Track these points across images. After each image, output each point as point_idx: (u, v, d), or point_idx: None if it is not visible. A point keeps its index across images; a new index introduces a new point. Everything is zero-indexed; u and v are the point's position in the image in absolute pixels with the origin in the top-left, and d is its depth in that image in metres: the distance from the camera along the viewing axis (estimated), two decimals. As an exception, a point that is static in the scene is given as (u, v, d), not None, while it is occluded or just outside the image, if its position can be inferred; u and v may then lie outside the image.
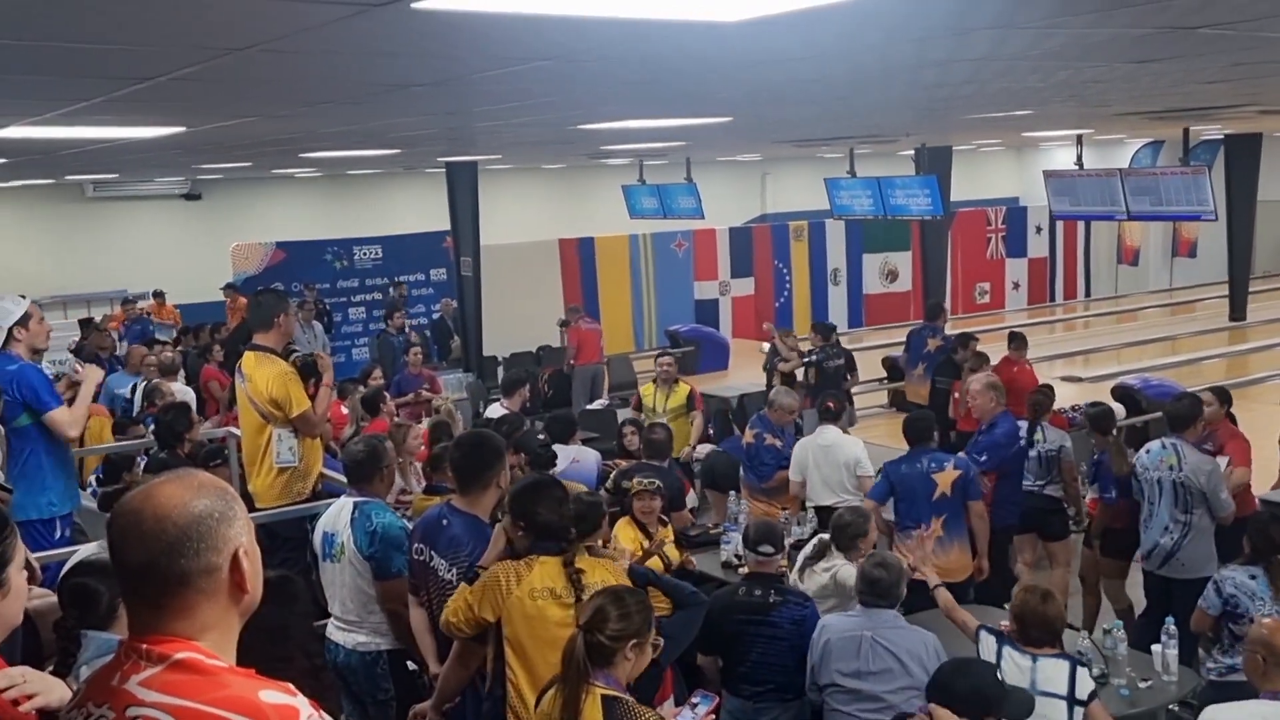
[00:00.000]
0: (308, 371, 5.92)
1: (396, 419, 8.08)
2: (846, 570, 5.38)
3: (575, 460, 7.17)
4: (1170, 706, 5.31)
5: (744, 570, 5.49)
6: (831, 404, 7.80)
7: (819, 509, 7.18)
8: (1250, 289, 19.99)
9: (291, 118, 6.24)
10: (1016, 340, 10.42)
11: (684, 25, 3.24)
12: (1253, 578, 4.97)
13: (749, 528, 5.31)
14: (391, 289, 17.79)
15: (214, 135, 7.32)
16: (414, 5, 2.66)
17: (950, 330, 12.14)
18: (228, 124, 6.43)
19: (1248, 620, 4.79)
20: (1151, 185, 10.93)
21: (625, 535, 5.71)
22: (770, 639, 4.88)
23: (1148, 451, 6.52)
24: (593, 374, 13.76)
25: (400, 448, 6.38)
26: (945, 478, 6.32)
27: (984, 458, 6.85)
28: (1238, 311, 19.57)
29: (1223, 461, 6.73)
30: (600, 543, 4.60)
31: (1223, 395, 7.25)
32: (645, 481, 5.96)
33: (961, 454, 6.73)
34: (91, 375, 5.69)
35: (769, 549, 5.05)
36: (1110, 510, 7.03)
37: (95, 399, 6.01)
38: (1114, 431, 7.35)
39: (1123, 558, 7.08)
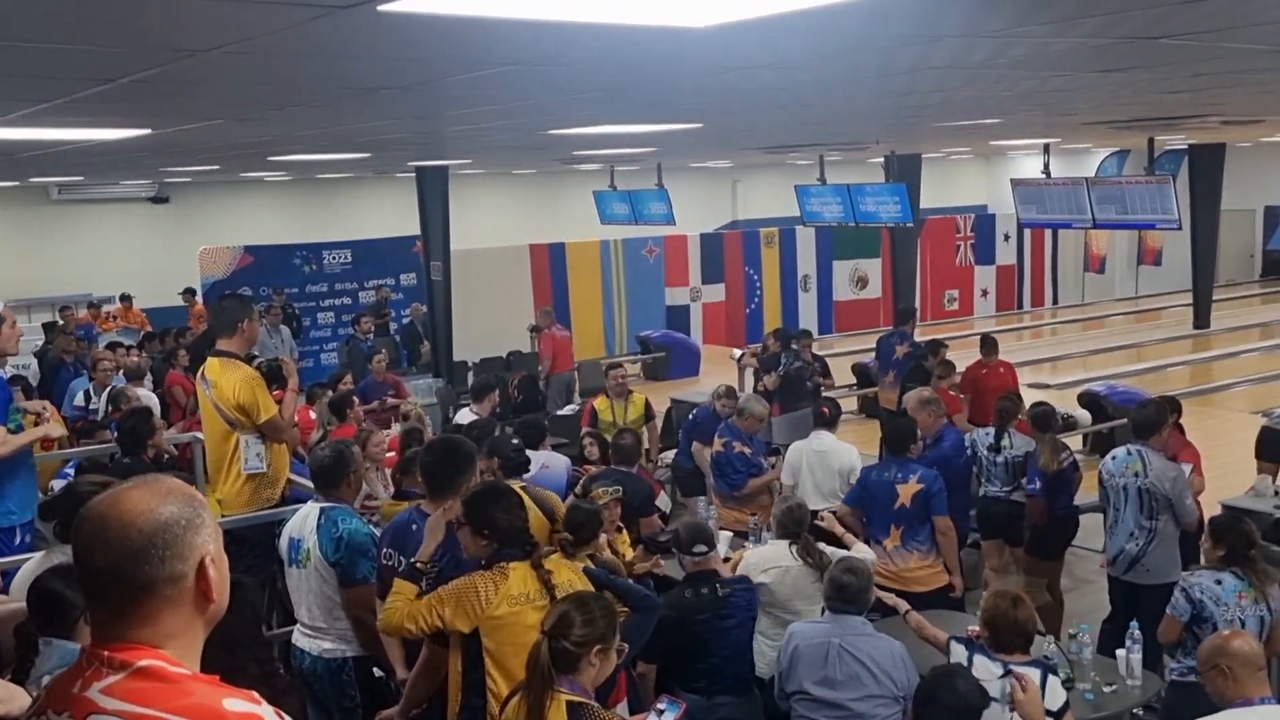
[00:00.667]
0: (273, 376, 5.88)
1: (363, 425, 8.04)
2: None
3: (545, 466, 7.14)
4: (1135, 711, 5.35)
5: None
6: (826, 409, 7.80)
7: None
8: (1214, 297, 20.24)
9: (258, 121, 6.20)
10: (987, 344, 10.50)
11: (653, 30, 3.24)
12: (1218, 582, 5.01)
13: (680, 531, 5.27)
14: (374, 292, 17.79)
15: (180, 137, 7.27)
16: (380, 8, 2.65)
17: (920, 337, 12.23)
18: (194, 126, 6.38)
19: (1211, 625, 4.85)
20: (1117, 194, 11.06)
21: (622, 541, 5.75)
22: (729, 630, 4.90)
23: (1113, 458, 6.53)
24: (568, 381, 13.72)
25: (363, 453, 6.33)
26: (907, 489, 6.29)
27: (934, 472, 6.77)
28: (1201, 319, 19.80)
29: (1186, 468, 6.80)
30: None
31: (1171, 404, 7.32)
32: (608, 489, 5.96)
33: (931, 468, 6.57)
34: (44, 430, 5.54)
35: (703, 548, 5.06)
36: (1034, 506, 7.14)
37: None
38: (1050, 431, 7.45)
39: (1046, 557, 7.18)
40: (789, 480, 7.45)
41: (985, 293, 23.84)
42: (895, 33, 3.50)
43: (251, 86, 4.41)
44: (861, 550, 5.84)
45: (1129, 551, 6.38)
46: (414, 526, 4.33)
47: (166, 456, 6.93)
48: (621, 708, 4.32)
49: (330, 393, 9.08)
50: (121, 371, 9.99)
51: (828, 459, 7.34)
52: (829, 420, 7.64)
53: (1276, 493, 7.88)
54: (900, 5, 2.94)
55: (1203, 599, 4.98)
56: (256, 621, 3.76)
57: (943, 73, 4.87)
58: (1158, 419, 6.49)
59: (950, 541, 6.38)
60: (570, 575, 3.90)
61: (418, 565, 4.00)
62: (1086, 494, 7.46)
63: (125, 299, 16.49)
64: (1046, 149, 12.56)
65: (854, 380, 14.44)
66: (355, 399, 8.88)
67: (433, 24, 2.91)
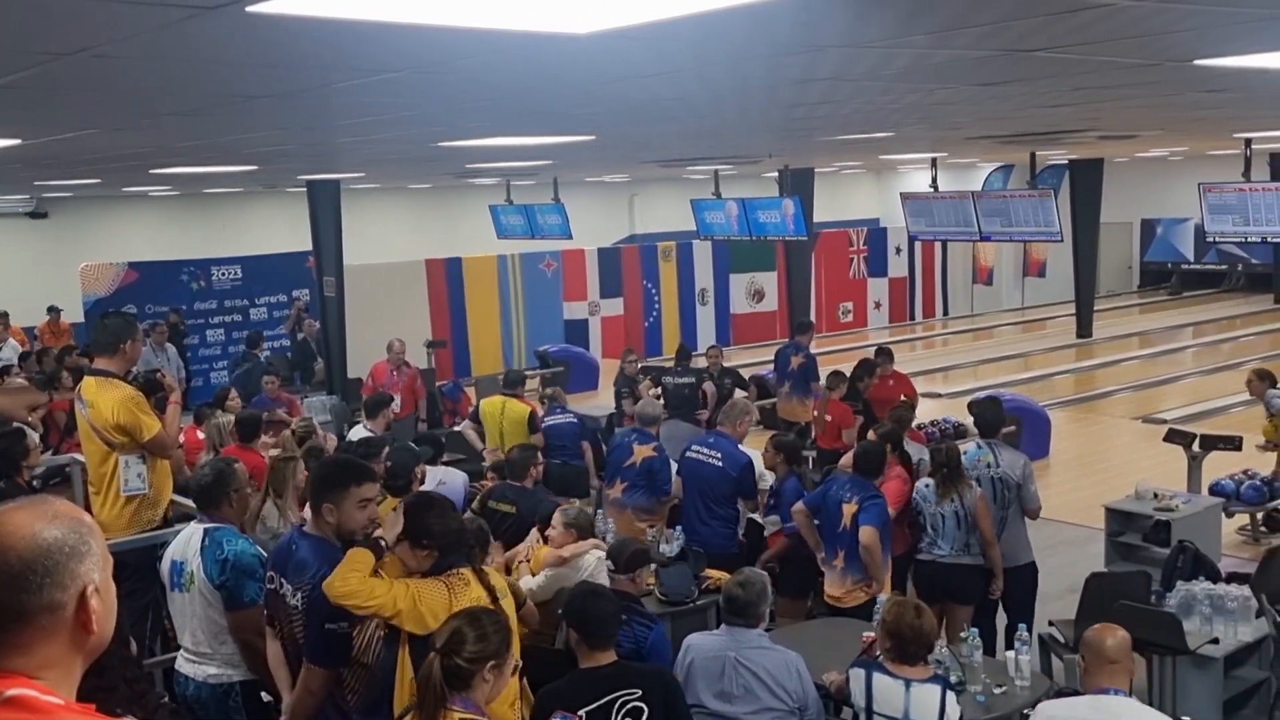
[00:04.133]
0: (150, 389, 5.70)
1: (279, 453, 7.79)
2: None
3: (442, 482, 7.08)
4: (1025, 711, 5.45)
5: None
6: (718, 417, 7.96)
7: None
8: (1095, 307, 20.97)
9: (135, 130, 6.01)
10: (882, 355, 10.68)
11: (535, 37, 3.20)
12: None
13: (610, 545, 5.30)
14: (291, 305, 17.72)
15: (53, 149, 7.02)
16: (249, 9, 2.57)
17: (815, 349, 12.39)
18: (67, 136, 6.16)
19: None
20: (1002, 207, 11.34)
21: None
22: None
23: (965, 453, 6.81)
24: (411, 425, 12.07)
25: (285, 486, 6.10)
26: (849, 509, 6.19)
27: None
28: (1084, 329, 20.49)
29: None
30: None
31: (892, 434, 7.34)
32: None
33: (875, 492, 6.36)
34: None
35: (609, 566, 5.09)
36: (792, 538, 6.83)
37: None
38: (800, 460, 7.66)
39: (802, 595, 6.83)
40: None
41: (878, 305, 24.30)
42: (778, 41, 3.52)
43: (122, 93, 4.27)
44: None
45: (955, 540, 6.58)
46: (293, 547, 4.23)
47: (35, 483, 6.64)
48: None
49: (219, 412, 8.82)
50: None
51: None
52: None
53: (1156, 495, 8.12)
54: (780, 14, 2.95)
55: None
56: (124, 641, 3.61)
57: (828, 84, 4.93)
58: (997, 417, 7.09)
59: (870, 554, 6.07)
60: (497, 578, 3.93)
61: (381, 541, 3.93)
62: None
63: (2, 317, 15.87)
64: (934, 163, 12.84)
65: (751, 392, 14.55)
66: (264, 419, 8.63)
67: (306, 27, 2.84)
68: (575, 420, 9.31)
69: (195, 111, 5.07)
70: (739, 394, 10.52)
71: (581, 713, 3.92)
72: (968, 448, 6.99)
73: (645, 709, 3.97)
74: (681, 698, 4.22)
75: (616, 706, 3.95)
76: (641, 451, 7.82)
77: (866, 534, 6.06)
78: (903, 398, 10.06)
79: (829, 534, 6.31)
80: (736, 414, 7.39)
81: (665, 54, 3.75)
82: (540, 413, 9.32)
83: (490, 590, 3.81)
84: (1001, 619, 6.77)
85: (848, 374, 10.16)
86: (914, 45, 3.59)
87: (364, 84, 4.29)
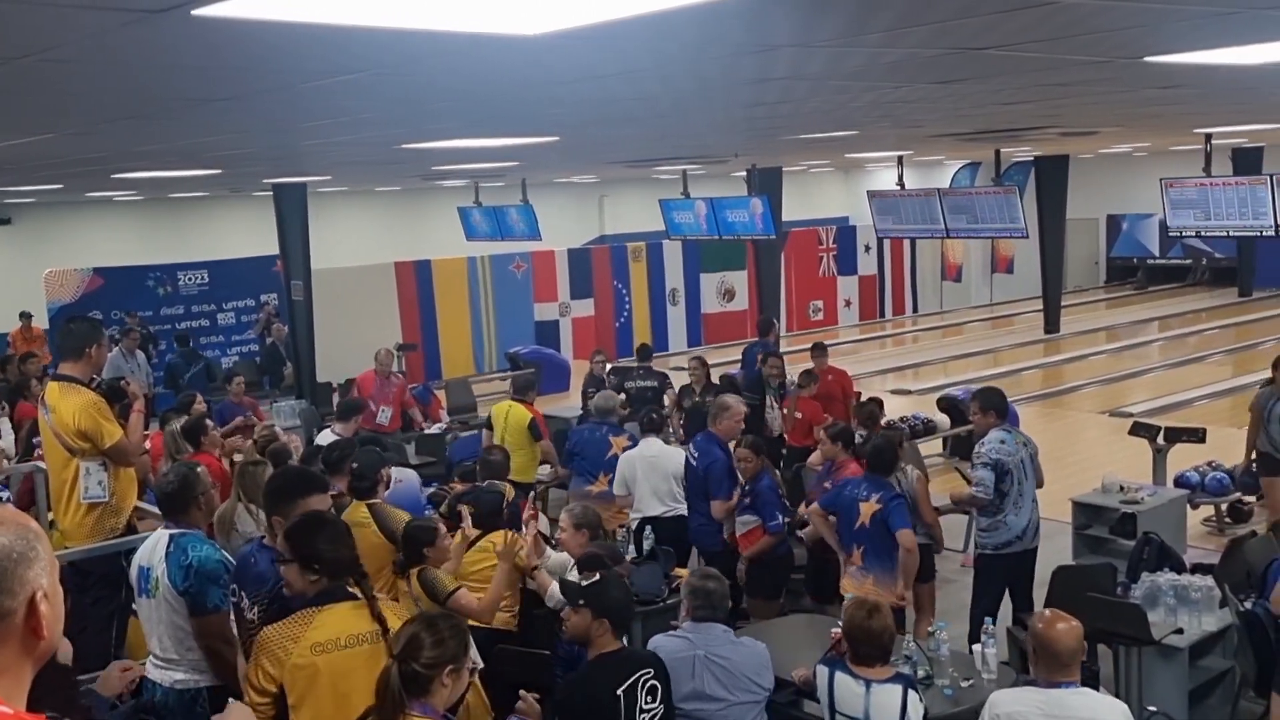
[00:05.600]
0: (114, 396, 5.65)
1: (244, 459, 7.73)
2: None
3: (399, 480, 7.07)
4: (989, 704, 5.49)
5: None
6: (654, 415, 8.00)
7: (647, 519, 7.24)
8: (1063, 303, 21.13)
9: (90, 135, 5.96)
10: (818, 350, 10.75)
11: (487, 39, 3.20)
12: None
13: (583, 555, 5.30)
14: (259, 309, 17.70)
15: (11, 154, 6.95)
16: (194, 12, 2.56)
17: (787, 347, 12.45)
18: (22, 141, 6.10)
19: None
20: (967, 204, 11.43)
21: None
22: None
23: (1002, 441, 6.71)
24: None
25: (257, 490, 6.05)
26: (868, 508, 6.14)
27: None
28: (1052, 325, 20.64)
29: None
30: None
31: (845, 433, 7.33)
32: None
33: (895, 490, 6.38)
34: None
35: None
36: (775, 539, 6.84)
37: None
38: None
39: (775, 596, 6.88)
40: (622, 490, 7.55)
41: (848, 303, 24.41)
42: (732, 41, 3.53)
43: (73, 97, 4.23)
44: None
45: (1035, 520, 6.75)
46: (252, 559, 4.20)
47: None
48: None
49: (184, 418, 8.75)
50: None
51: (660, 463, 7.49)
52: (655, 426, 7.85)
53: (1122, 488, 8.19)
54: (730, 14, 2.96)
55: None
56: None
57: (786, 83, 4.95)
58: (1003, 401, 7.04)
59: (911, 558, 6.07)
60: (395, 615, 3.71)
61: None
62: (937, 495, 7.61)
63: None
64: (900, 161, 12.92)
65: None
66: (209, 423, 8.57)
67: (254, 30, 2.83)
68: None
69: (151, 115, 5.04)
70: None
71: (619, 692, 4.02)
72: (1004, 436, 6.75)
73: (659, 686, 4.15)
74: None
75: (640, 685, 4.09)
76: (619, 443, 8.02)
77: (906, 538, 6.03)
78: (843, 391, 10.27)
79: (845, 532, 6.29)
80: (719, 413, 7.38)
81: (620, 54, 3.75)
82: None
83: (381, 621, 3.60)
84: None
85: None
86: (865, 45, 3.61)
87: (320, 86, 4.27)
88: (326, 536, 3.72)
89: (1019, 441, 6.80)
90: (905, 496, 6.46)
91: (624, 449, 7.88)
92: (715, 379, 10.93)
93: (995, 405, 6.83)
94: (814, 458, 7.87)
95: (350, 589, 3.70)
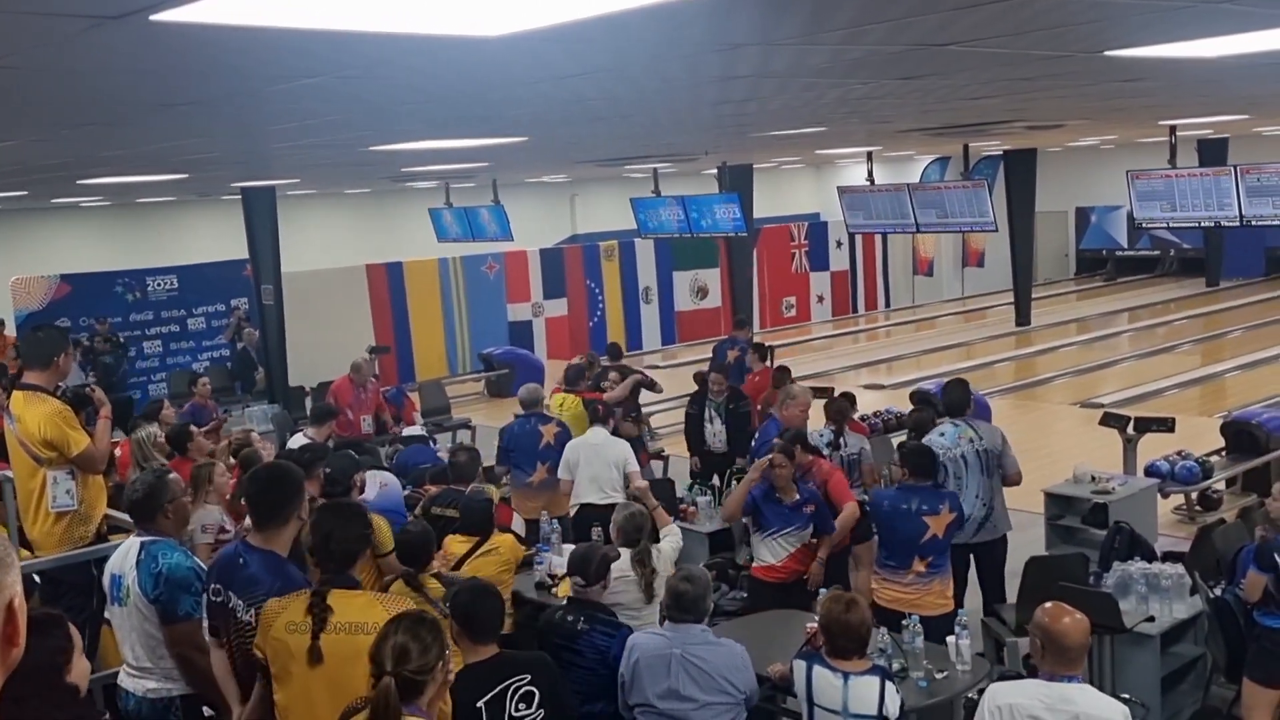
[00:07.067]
0: (80, 403, 5.62)
1: (198, 463, 7.70)
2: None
3: (384, 485, 7.06)
4: (969, 695, 5.52)
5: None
6: (600, 406, 8.20)
7: (586, 505, 7.45)
8: (1033, 295, 21.27)
9: (52, 141, 5.92)
10: (757, 350, 11.00)
11: (448, 40, 3.21)
12: None
13: (572, 556, 5.28)
14: (229, 314, 17.63)
15: (-28, 162, 6.89)
16: (152, 17, 2.55)
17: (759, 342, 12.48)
18: (-17, 149, 6.06)
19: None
20: (937, 199, 11.49)
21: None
22: (576, 665, 4.86)
23: (941, 434, 6.90)
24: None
25: (204, 486, 6.06)
26: (939, 520, 6.00)
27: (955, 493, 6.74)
28: (1023, 317, 20.78)
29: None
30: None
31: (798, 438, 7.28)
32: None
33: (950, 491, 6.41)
34: None
35: (580, 581, 5.01)
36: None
37: None
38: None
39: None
40: (566, 475, 7.69)
41: (821, 298, 24.50)
42: (693, 40, 3.55)
43: (34, 104, 4.20)
44: (674, 536, 5.98)
45: (977, 515, 6.81)
46: (241, 560, 4.17)
47: None
48: None
49: (153, 426, 8.68)
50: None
51: (603, 451, 7.63)
52: (602, 417, 8.03)
53: (1093, 479, 8.25)
54: (689, 13, 2.97)
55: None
56: (57, 670, 3.54)
57: (751, 81, 4.97)
58: (964, 396, 7.19)
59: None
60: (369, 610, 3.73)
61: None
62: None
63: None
64: (870, 157, 12.97)
65: (695, 388, 14.59)
66: (194, 429, 8.52)
67: (214, 35, 2.82)
68: None
69: (113, 121, 5.01)
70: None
71: (480, 704, 3.96)
72: (943, 429, 7.00)
73: (536, 692, 4.07)
74: (564, 682, 4.31)
75: (510, 693, 4.03)
76: (549, 430, 8.16)
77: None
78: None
79: (903, 543, 6.08)
80: (784, 400, 7.56)
81: (583, 55, 3.76)
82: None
83: (316, 619, 3.70)
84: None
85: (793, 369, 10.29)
86: (827, 42, 3.63)
87: (284, 90, 4.26)
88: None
89: (964, 436, 6.88)
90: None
91: (555, 435, 8.10)
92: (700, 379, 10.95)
93: (920, 461, 6.32)
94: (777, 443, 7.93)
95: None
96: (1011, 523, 7.15)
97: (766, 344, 11.31)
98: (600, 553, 5.24)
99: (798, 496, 6.36)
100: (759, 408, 9.81)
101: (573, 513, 7.59)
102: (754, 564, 6.61)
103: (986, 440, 6.92)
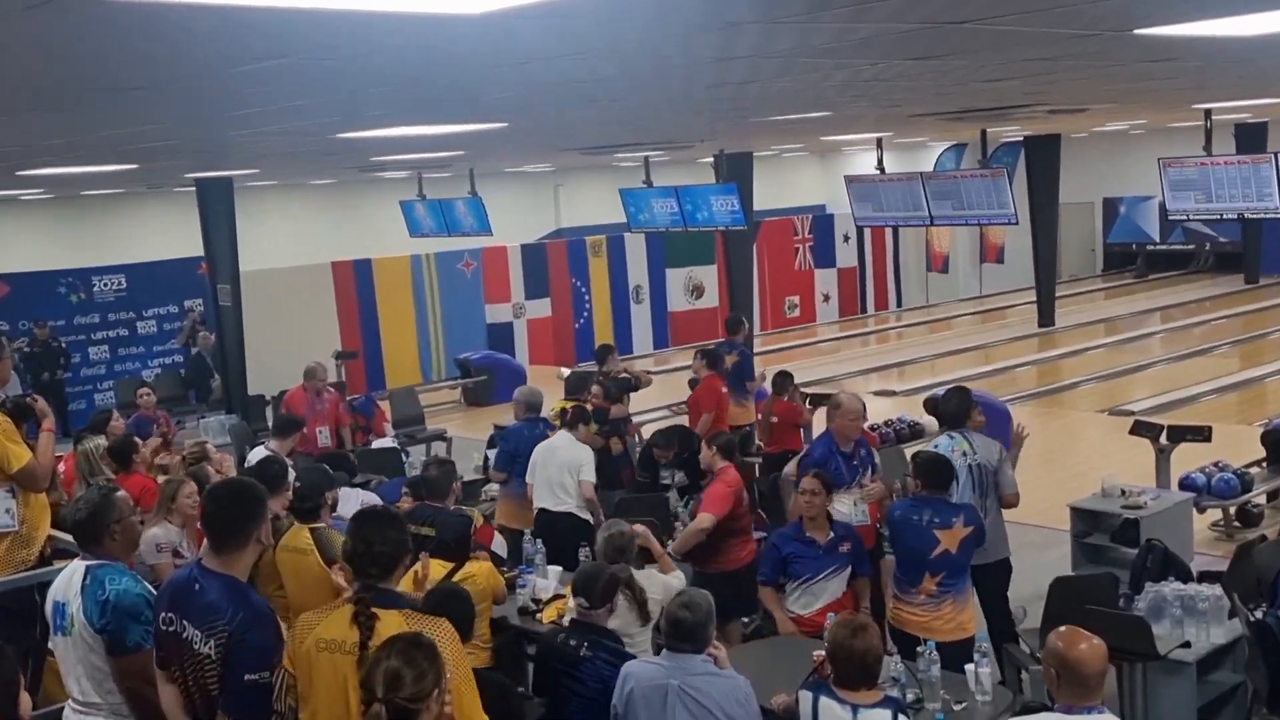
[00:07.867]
0: (21, 414, 5.61)
1: (167, 478, 7.70)
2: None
3: (364, 502, 7.09)
4: (988, 727, 5.54)
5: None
6: (567, 409, 8.35)
7: (541, 511, 7.60)
8: (1058, 294, 21.29)
9: (-8, 128, 5.92)
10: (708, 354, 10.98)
11: (426, 19, 3.22)
12: None
13: (576, 575, 5.30)
14: (183, 316, 17.68)
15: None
16: (102, -8, 2.56)
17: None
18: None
19: None
20: (953, 189, 11.50)
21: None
22: (577, 694, 4.88)
23: (936, 446, 6.87)
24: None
25: (166, 504, 6.06)
26: (953, 535, 5.98)
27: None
28: (1046, 317, 20.79)
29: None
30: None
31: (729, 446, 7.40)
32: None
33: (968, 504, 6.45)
34: None
35: (584, 603, 5.03)
36: None
37: None
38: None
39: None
40: (529, 479, 7.89)
41: (827, 297, 24.52)
42: (688, 19, 3.57)
43: (-28, 88, 4.21)
44: (678, 581, 5.95)
45: None
46: (196, 586, 4.16)
47: None
48: None
49: (100, 439, 8.67)
50: None
51: (558, 454, 7.86)
52: (571, 422, 8.15)
53: (1123, 492, 8.27)
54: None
55: None
56: (12, 699, 3.55)
57: (751, 62, 4.99)
58: (963, 406, 7.11)
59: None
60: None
61: None
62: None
63: None
64: (879, 144, 13.02)
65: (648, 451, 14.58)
66: (138, 441, 8.51)
67: (168, 13, 2.83)
68: None
69: (57, 106, 5.01)
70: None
71: None
72: (938, 441, 7.01)
73: None
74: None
75: None
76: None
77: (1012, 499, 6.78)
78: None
79: (914, 558, 6.07)
80: (832, 411, 7.35)
81: (571, 34, 3.78)
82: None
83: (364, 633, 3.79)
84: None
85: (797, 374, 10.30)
86: (832, 19, 3.65)
87: (244, 73, 4.26)
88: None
89: (958, 449, 6.78)
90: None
91: None
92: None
93: (934, 472, 6.35)
94: (790, 467, 7.93)
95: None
96: (1010, 547, 7.04)
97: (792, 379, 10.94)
98: (608, 573, 5.23)
99: (831, 534, 6.15)
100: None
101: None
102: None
103: (982, 455, 6.78)
